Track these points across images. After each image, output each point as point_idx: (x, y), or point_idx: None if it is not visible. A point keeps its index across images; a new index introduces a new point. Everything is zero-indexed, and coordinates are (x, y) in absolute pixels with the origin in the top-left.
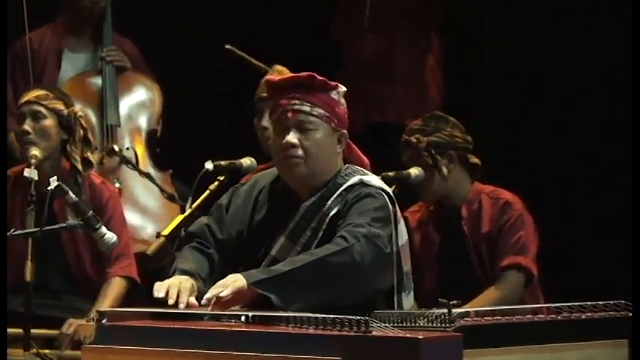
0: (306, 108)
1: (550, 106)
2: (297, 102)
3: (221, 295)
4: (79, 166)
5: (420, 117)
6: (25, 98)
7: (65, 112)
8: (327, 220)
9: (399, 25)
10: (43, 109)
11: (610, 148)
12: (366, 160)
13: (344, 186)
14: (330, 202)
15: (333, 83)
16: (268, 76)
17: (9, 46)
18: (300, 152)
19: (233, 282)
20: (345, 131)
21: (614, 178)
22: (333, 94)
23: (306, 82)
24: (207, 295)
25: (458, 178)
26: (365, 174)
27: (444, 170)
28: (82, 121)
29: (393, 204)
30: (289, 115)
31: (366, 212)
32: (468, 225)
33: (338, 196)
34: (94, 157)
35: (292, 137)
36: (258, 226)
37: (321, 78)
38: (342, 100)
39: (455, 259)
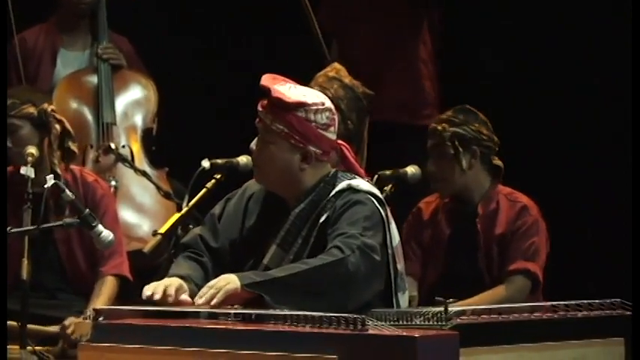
0: (268, 120)
1: (552, 110)
2: (263, 111)
3: (213, 301)
4: (56, 161)
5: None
6: None
7: (35, 113)
8: (317, 228)
9: (392, 15)
10: (15, 121)
11: (607, 142)
12: (362, 171)
13: (332, 192)
14: (319, 208)
15: (295, 102)
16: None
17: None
18: (255, 161)
19: (226, 284)
20: (312, 148)
21: (613, 179)
22: (300, 112)
23: (266, 93)
24: (200, 301)
25: (478, 175)
26: (353, 178)
27: (464, 163)
28: (56, 115)
29: (382, 206)
30: (257, 121)
31: (356, 222)
32: (482, 223)
33: (327, 202)
34: (75, 147)
35: (253, 144)
36: (249, 233)
37: (276, 96)
38: (315, 117)
39: (463, 254)
